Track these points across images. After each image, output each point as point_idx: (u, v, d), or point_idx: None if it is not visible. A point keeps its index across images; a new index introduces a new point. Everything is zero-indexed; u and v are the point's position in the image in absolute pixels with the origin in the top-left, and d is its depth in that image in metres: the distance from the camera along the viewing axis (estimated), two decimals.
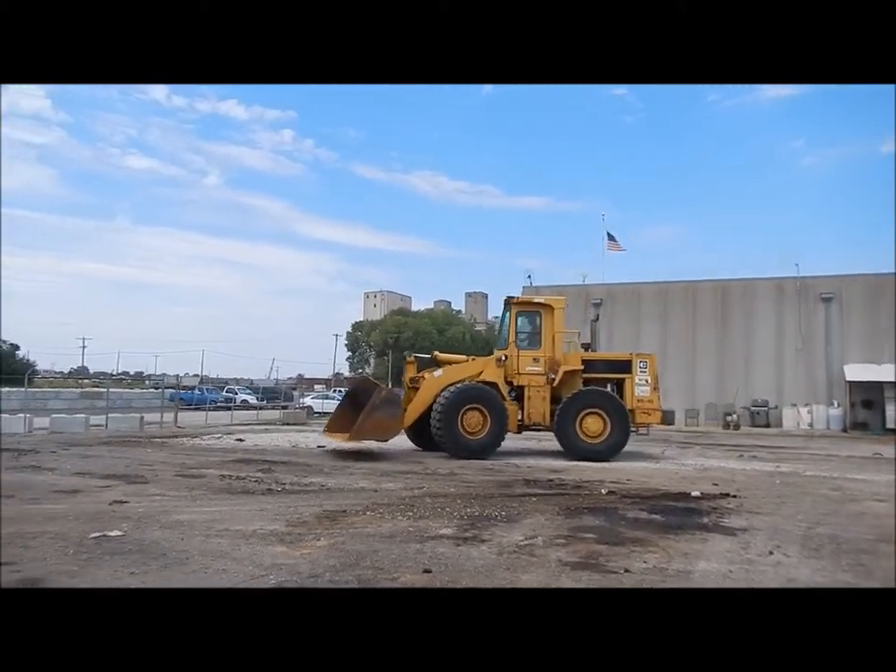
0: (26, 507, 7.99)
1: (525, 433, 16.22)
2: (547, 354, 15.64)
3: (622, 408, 15.29)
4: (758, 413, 30.17)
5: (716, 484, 10.95)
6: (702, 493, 9.85)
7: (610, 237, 38.27)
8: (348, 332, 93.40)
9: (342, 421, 15.71)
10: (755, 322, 32.45)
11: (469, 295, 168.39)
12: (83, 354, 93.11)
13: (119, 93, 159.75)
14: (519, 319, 15.95)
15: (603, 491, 9.95)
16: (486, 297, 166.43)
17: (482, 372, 15.53)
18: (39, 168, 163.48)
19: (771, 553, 6.39)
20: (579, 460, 14.45)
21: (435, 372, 15.50)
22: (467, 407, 14.66)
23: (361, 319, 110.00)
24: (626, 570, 5.64)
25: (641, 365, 16.14)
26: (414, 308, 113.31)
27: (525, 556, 6.15)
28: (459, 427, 14.56)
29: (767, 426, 29.56)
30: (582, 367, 15.80)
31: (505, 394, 15.28)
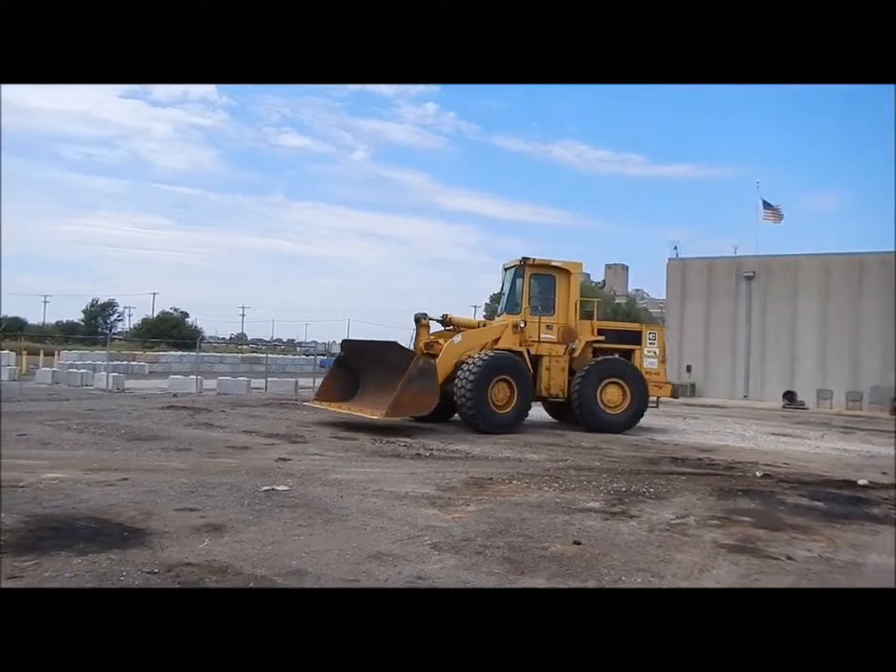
0: (204, 460, 8.82)
1: None
2: (560, 321, 14.85)
3: (642, 379, 14.75)
4: None
5: (885, 473, 10.13)
6: (870, 482, 9.16)
7: (766, 205, 35.88)
8: (486, 304, 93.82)
9: (334, 388, 14.59)
10: None
11: (609, 267, 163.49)
12: (242, 321, 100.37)
13: None
14: (532, 283, 14.86)
15: (758, 474, 9.49)
16: (627, 269, 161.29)
17: (498, 339, 14.29)
18: (205, 149, 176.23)
19: None
20: (595, 432, 13.90)
21: (454, 339, 14.18)
22: (496, 378, 13.41)
23: (499, 291, 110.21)
24: (789, 557, 5.41)
25: (650, 336, 15.62)
26: None
27: (677, 535, 6.05)
28: (489, 399, 13.39)
29: None
30: (603, 337, 15.11)
31: (528, 363, 14.22)
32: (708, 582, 4.74)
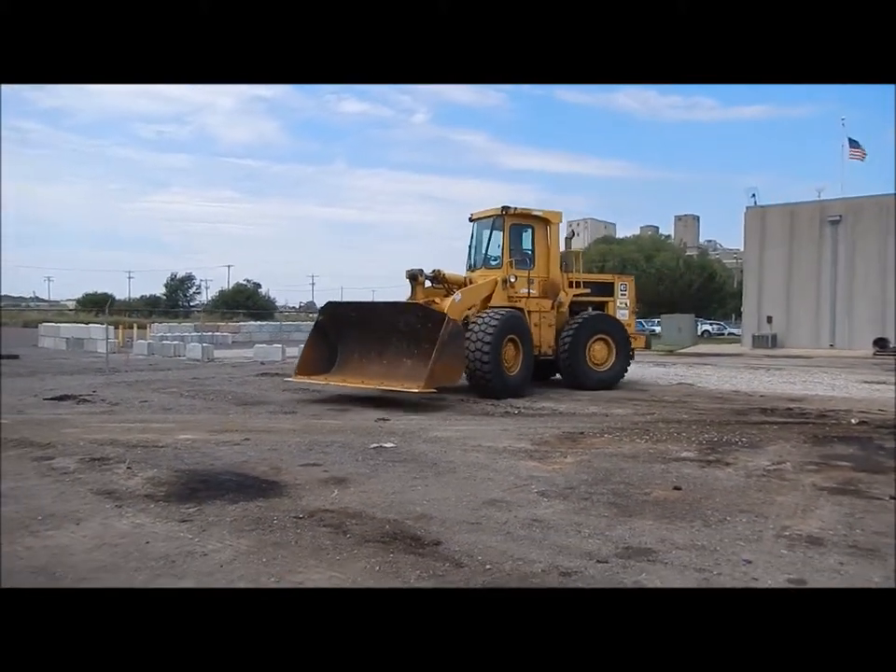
0: (311, 421, 9.42)
1: None
2: (541, 275, 14.15)
3: (626, 333, 14.58)
4: None
5: None
6: None
7: (853, 143, 34.27)
8: None
9: (315, 358, 12.76)
10: None
11: (678, 218, 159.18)
12: (312, 290, 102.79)
13: None
14: (513, 234, 13.96)
15: (853, 421, 9.48)
16: (698, 220, 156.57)
17: (489, 296, 13.35)
18: (268, 120, 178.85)
19: None
20: (580, 389, 13.50)
21: (455, 297, 12.95)
22: (507, 338, 12.55)
23: (564, 249, 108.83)
24: (892, 497, 5.54)
25: (622, 288, 15.41)
26: (619, 235, 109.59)
27: (775, 480, 6.23)
28: (502, 361, 12.50)
29: None
30: (589, 290, 14.76)
31: (528, 321, 13.58)
32: (814, 522, 4.96)
